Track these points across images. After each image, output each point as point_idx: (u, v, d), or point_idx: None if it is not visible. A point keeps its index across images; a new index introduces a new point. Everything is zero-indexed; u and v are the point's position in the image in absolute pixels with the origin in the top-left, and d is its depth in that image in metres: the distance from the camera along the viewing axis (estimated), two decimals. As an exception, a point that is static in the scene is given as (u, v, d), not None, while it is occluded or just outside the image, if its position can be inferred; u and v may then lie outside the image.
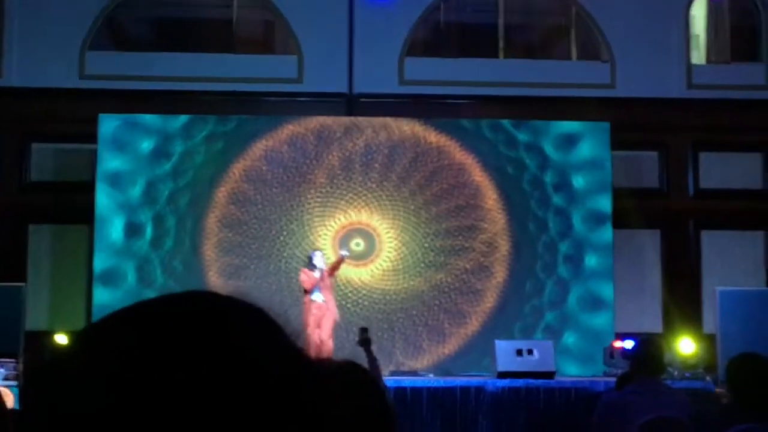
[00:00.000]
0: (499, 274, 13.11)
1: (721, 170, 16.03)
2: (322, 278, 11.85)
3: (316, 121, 13.40)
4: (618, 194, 14.89)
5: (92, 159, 14.53)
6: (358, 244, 13.24)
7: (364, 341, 8.21)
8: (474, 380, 12.08)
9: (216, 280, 12.95)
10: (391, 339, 12.85)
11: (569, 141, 13.98)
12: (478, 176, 13.24)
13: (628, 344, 10.88)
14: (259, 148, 13.11)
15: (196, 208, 13.07)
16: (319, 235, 13.07)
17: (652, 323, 15.40)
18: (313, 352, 10.68)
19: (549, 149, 13.91)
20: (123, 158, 13.38)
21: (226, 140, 13.34)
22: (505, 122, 13.87)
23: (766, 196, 16.14)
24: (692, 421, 5.72)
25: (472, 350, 13.05)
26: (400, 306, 12.92)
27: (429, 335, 13.17)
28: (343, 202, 13.18)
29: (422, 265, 13.09)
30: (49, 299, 14.77)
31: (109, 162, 13.35)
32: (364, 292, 12.92)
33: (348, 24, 15.57)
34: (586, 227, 13.75)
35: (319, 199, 13.03)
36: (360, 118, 14.16)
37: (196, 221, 13.07)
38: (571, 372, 12.74)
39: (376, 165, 13.14)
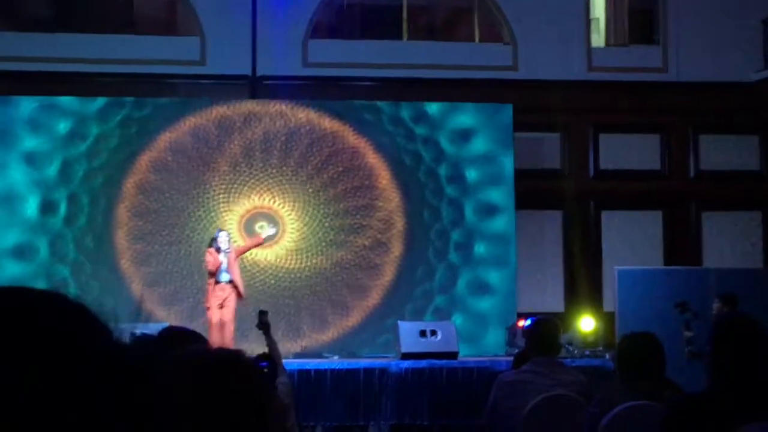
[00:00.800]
0: (396, 248, 13.63)
1: (621, 151, 16.22)
2: (228, 260, 11.92)
3: (216, 111, 13.62)
4: (520, 175, 14.97)
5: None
6: (261, 227, 13.41)
7: (263, 324, 8.19)
8: (378, 362, 12.13)
9: (128, 267, 13.25)
10: (298, 314, 13.26)
11: (465, 133, 14.41)
12: (371, 158, 13.74)
13: (527, 323, 11.16)
14: (164, 139, 13.38)
15: (109, 192, 13.38)
16: (225, 220, 13.36)
17: (555, 303, 15.59)
18: (214, 335, 11.39)
19: (444, 142, 14.29)
20: (40, 138, 13.41)
21: (139, 126, 13.65)
22: (404, 112, 14.21)
23: (663, 176, 16.36)
24: (586, 399, 5.81)
25: (373, 323, 13.52)
26: (306, 283, 13.34)
27: (333, 309, 13.56)
28: (246, 188, 13.52)
29: (324, 243, 13.58)
30: None
31: (27, 142, 13.37)
32: (270, 271, 13.29)
33: (251, 5, 15.38)
34: (477, 217, 14.19)
35: (223, 186, 13.39)
36: (257, 107, 14.18)
37: (107, 210, 13.35)
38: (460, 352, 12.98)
39: (275, 151, 13.56)
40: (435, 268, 13.94)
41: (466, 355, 12.64)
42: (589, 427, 4.95)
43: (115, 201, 13.32)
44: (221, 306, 11.99)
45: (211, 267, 11.90)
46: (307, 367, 11.72)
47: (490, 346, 13.15)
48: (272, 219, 13.60)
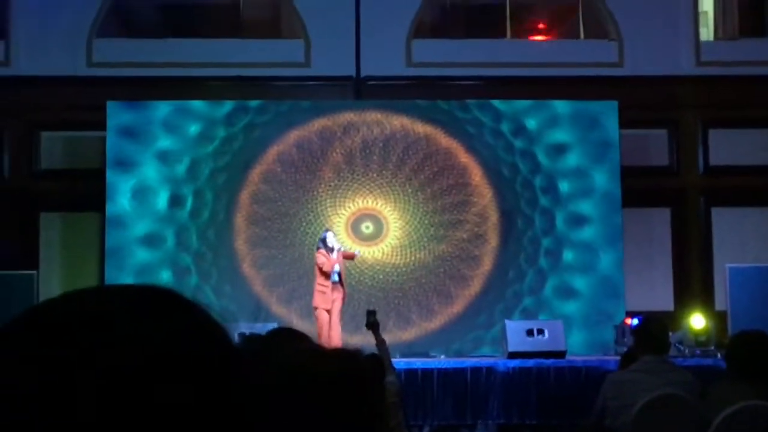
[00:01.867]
0: (492, 239, 14.22)
1: (731, 147, 15.92)
2: (338, 259, 12.28)
3: (317, 123, 14.16)
4: (627, 173, 14.85)
5: (101, 146, 14.54)
6: (367, 227, 14.06)
7: (372, 324, 8.29)
8: (485, 361, 12.16)
9: (249, 271, 14.04)
10: (407, 305, 13.89)
11: (560, 147, 14.59)
12: (464, 157, 14.28)
13: (636, 322, 10.99)
14: (272, 153, 14.09)
15: (231, 186, 14.23)
16: (333, 223, 13.96)
17: (664, 301, 15.39)
18: (324, 334, 11.73)
19: (541, 155, 14.56)
20: (173, 139, 14.17)
21: (261, 129, 14.32)
22: (504, 125, 14.48)
23: (776, 172, 16.09)
24: (696, 399, 5.76)
25: (476, 311, 14.10)
26: (411, 276, 13.94)
27: (438, 299, 14.09)
28: (350, 192, 14.17)
29: (425, 239, 14.16)
30: (60, 287, 14.70)
31: (162, 141, 14.16)
32: (378, 267, 13.89)
33: (354, 6, 15.46)
34: (567, 226, 14.50)
35: (329, 192, 14.07)
36: (355, 116, 14.44)
37: (229, 207, 14.21)
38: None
39: (374, 157, 14.18)
40: (525, 272, 14.38)
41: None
42: (700, 427, 4.93)
43: (233, 209, 14.14)
44: (330, 306, 12.24)
45: (327, 267, 12.20)
46: (414, 366, 11.76)
47: (573, 347, 13.16)
48: (376, 219, 14.16)
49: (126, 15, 16.24)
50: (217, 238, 14.05)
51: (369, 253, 13.96)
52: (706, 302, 15.17)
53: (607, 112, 14.61)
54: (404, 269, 14.02)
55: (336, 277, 12.29)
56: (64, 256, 15.20)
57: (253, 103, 14.42)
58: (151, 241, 14.00)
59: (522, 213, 14.34)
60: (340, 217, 14.12)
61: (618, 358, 9.89)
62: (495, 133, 14.41)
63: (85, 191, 14.75)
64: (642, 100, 15.44)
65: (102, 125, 14.40)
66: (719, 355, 12.09)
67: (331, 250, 12.26)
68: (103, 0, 15.55)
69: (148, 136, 14.09)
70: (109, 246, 13.97)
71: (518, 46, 15.97)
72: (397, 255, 14.07)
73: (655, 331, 6.21)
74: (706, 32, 16.44)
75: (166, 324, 0.93)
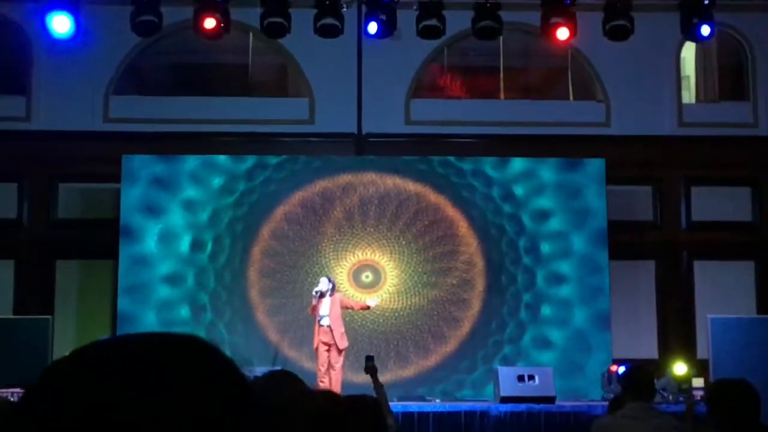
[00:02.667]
0: (479, 284, 14.56)
1: (712, 204, 15.90)
2: (330, 303, 12.31)
3: (318, 185, 14.50)
4: (614, 227, 14.77)
5: (116, 197, 14.54)
6: (367, 276, 14.33)
7: (369, 369, 8.26)
8: (478, 405, 12.12)
9: (263, 318, 14.36)
10: (405, 345, 14.25)
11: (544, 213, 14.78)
12: (451, 212, 14.62)
13: (622, 369, 10.95)
14: (279, 212, 14.49)
15: (246, 234, 14.58)
16: (337, 273, 14.21)
17: (649, 349, 15.31)
18: (321, 376, 11.88)
19: (526, 219, 14.79)
20: (197, 189, 14.51)
21: (276, 184, 14.66)
22: (495, 191, 14.70)
23: (755, 228, 16.03)
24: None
25: (467, 349, 14.39)
26: (408, 319, 14.33)
27: (433, 339, 14.39)
28: (350, 245, 14.47)
29: (419, 285, 14.51)
30: (75, 331, 14.69)
31: (188, 191, 14.48)
32: (378, 312, 14.09)
33: (357, 67, 15.47)
34: (546, 284, 14.69)
35: (331, 246, 14.44)
36: (353, 178, 14.55)
37: (243, 255, 14.54)
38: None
39: (371, 213, 14.52)
40: (507, 323, 14.60)
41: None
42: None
43: (247, 262, 14.44)
44: (328, 349, 12.26)
45: (311, 310, 12.49)
46: (411, 410, 11.69)
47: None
48: (375, 269, 14.40)
49: (141, 74, 16.25)
50: (233, 281, 14.43)
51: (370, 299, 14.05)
52: (689, 351, 15.05)
53: (590, 184, 14.67)
54: (401, 313, 14.37)
55: (325, 321, 12.35)
56: (78, 302, 15.08)
57: (272, 159, 14.57)
58: (173, 280, 14.27)
59: (506, 270, 14.59)
60: (342, 268, 14.37)
61: (605, 403, 9.92)
62: (486, 197, 14.65)
63: (101, 239, 14.69)
64: (628, 158, 15.42)
65: (117, 177, 14.39)
66: (702, 402, 12.02)
67: (321, 294, 12.41)
68: (120, 59, 15.61)
69: (176, 186, 14.36)
70: (134, 283, 14.15)
71: (511, 106, 15.92)
72: (394, 300, 14.39)
73: (641, 378, 6.11)
74: (688, 95, 16.44)
75: (200, 371, 0.96)
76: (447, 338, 14.32)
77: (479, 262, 14.59)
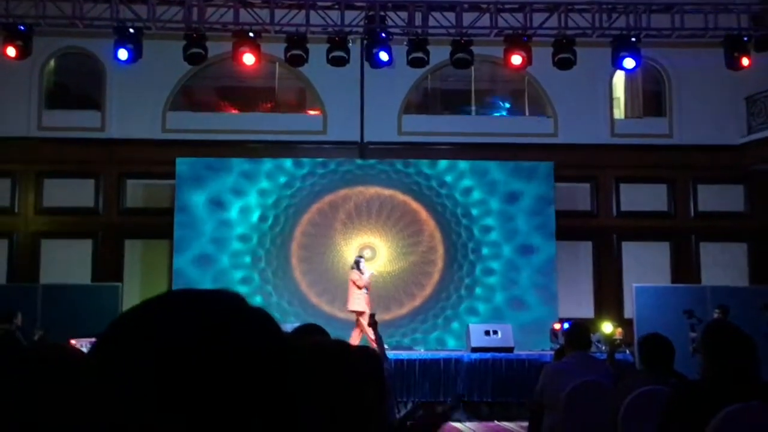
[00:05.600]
0: (439, 249, 14.58)
1: (637, 197, 15.73)
2: (368, 282, 12.31)
3: (327, 199, 14.50)
4: (561, 215, 14.65)
5: (171, 191, 14.40)
6: (368, 252, 14.29)
7: (371, 324, 8.25)
8: (454, 353, 12.01)
9: (299, 276, 14.38)
10: (396, 295, 14.26)
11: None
12: (424, 215, 14.61)
13: (565, 326, 10.95)
14: (314, 208, 14.55)
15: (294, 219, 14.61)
16: (345, 251, 14.34)
17: (587, 310, 15.28)
18: (362, 331, 11.63)
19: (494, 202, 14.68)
20: (269, 183, 14.46)
21: (307, 190, 14.68)
22: (459, 197, 14.60)
23: (670, 216, 15.80)
24: (612, 384, 5.66)
25: (432, 300, 14.40)
26: (396, 278, 14.42)
27: (412, 288, 14.39)
28: (354, 234, 14.51)
29: (401, 255, 14.50)
30: (139, 296, 14.24)
31: (263, 183, 14.42)
32: (377, 275, 13.94)
33: (360, 89, 15.23)
34: (514, 256, 14.51)
35: (343, 234, 14.52)
36: (349, 192, 14.46)
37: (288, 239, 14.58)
38: (480, 307, 14.03)
39: (368, 214, 14.53)
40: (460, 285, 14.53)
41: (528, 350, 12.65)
42: (615, 407, 4.83)
43: (291, 239, 14.51)
44: (367, 310, 12.08)
45: (361, 284, 12.16)
46: (401, 357, 11.64)
47: (497, 301, 13.95)
48: (373, 248, 14.39)
49: (191, 93, 16.02)
50: (280, 250, 14.50)
51: (372, 267, 14.13)
52: (618, 312, 14.98)
53: (542, 181, 14.46)
54: (391, 274, 14.44)
55: (366, 295, 12.27)
56: (141, 273, 14.98)
57: (320, 170, 14.56)
58: (244, 239, 14.34)
59: (462, 254, 14.52)
60: (350, 248, 14.38)
61: (552, 353, 9.93)
62: (451, 198, 14.57)
63: (158, 224, 14.55)
64: (572, 161, 15.33)
65: (171, 175, 14.23)
66: (627, 351, 11.91)
67: (362, 272, 12.29)
68: (175, 82, 15.40)
69: (254, 179, 14.36)
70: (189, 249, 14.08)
71: (480, 120, 15.73)
72: (386, 266, 14.46)
73: (581, 333, 6.00)
74: (619, 112, 16.24)
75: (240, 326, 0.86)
76: (420, 288, 14.43)
77: (437, 235, 14.61)
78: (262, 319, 0.88)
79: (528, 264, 14.33)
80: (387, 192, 14.55)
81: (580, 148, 15.57)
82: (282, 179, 14.48)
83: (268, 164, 14.49)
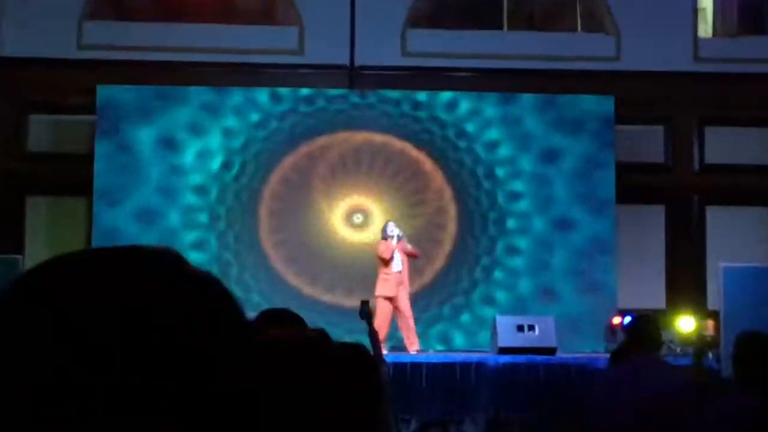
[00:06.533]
0: (451, 210, 15.05)
1: (727, 145, 15.81)
2: (398, 247, 12.62)
3: (306, 148, 14.95)
4: (621, 169, 14.75)
5: (90, 130, 14.48)
6: (359, 217, 14.86)
7: (365, 314, 8.09)
8: (474, 356, 12.18)
9: (270, 249, 14.91)
10: None
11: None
12: (429, 166, 15.02)
13: (627, 320, 10.46)
14: (288, 161, 14.99)
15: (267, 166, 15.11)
16: (331, 214, 14.89)
17: (656, 300, 15.33)
18: (379, 322, 11.47)
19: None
20: (235, 120, 14.88)
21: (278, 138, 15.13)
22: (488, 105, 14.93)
23: (772, 171, 15.97)
24: (690, 398, 5.62)
25: (440, 281, 14.86)
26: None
27: (417, 261, 14.23)
28: (340, 192, 14.98)
29: (403, 218, 14.57)
30: None
31: (228, 121, 14.85)
32: (368, 248, 14.23)
33: (350, -6, 15.90)
34: (552, 228, 14.94)
35: (325, 195, 14.98)
36: (345, 135, 14.88)
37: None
38: (499, 295, 14.55)
39: (360, 168, 15.02)
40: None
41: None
42: (696, 429, 4.77)
43: (257, 199, 14.98)
44: (392, 298, 12.48)
45: (386, 254, 12.49)
46: (403, 360, 11.76)
47: (522, 290, 14.51)
48: (365, 211, 14.89)
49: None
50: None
51: (363, 236, 14.75)
52: (699, 301, 15.10)
53: (598, 123, 14.84)
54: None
55: (399, 266, 12.59)
56: (50, 241, 15.02)
57: (304, 107, 14.90)
58: (200, 191, 14.88)
59: (480, 226, 14.97)
60: (334, 211, 14.86)
61: (608, 356, 9.87)
62: (471, 153, 14.94)
63: (73, 176, 14.66)
64: (638, 95, 15.32)
65: (91, 109, 14.32)
66: (710, 355, 11.96)
67: (391, 238, 12.62)
68: (95, -18, 15.33)
69: (218, 114, 14.80)
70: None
71: (515, 38, 15.81)
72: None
73: (648, 328, 6.04)
74: (705, 28, 16.36)
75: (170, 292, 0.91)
76: (433, 258, 14.76)
77: (447, 192, 15.01)
78: (211, 295, 0.92)
79: (567, 242, 14.69)
80: (379, 138, 14.96)
81: (651, 78, 15.69)
82: (254, 116, 14.87)
83: (237, 96, 14.82)
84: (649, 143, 15.95)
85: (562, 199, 14.80)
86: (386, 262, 12.51)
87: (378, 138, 14.95)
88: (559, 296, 14.57)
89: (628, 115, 15.09)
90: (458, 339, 14.47)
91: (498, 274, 14.82)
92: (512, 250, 14.87)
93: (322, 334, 1.88)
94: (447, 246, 14.92)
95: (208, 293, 0.92)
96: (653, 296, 15.41)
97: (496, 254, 14.83)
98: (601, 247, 14.63)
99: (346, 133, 14.92)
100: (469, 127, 14.93)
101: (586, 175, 14.81)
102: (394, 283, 12.52)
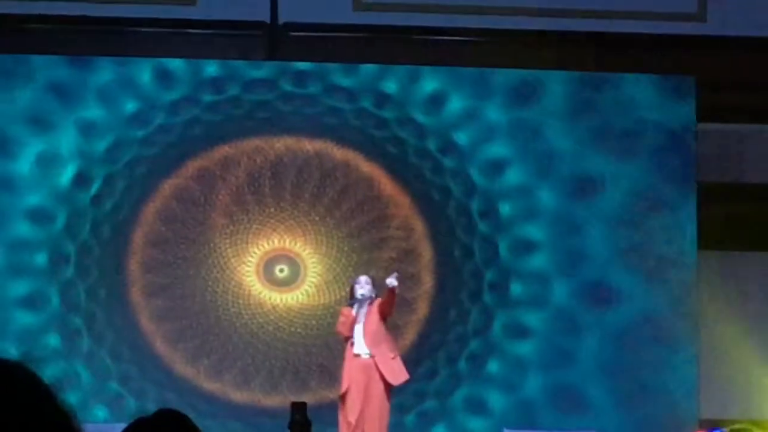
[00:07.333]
0: (426, 280, 13.72)
1: None
2: (367, 318, 10.91)
3: (197, 162, 13.46)
4: (708, 194, 12.58)
5: None
6: (282, 270, 13.50)
7: (296, 426, 7.64)
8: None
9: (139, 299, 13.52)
10: (332, 356, 12.93)
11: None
12: (389, 188, 13.62)
13: None
14: (169, 186, 13.54)
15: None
16: (242, 262, 13.58)
17: (759, 406, 12.90)
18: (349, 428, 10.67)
19: None
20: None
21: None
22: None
23: None
24: None
25: (417, 357, 13.25)
26: (333, 314, 13.08)
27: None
28: (253, 230, 13.60)
29: (349, 269, 13.34)
30: None
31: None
32: (296, 311, 13.51)
33: None
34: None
35: (229, 235, 13.66)
36: (262, 143, 13.38)
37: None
38: (494, 399, 13.11)
39: (286, 190, 13.59)
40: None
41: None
42: None
43: (125, 255, 13.53)
44: (364, 391, 10.78)
45: (342, 329, 10.94)
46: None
47: (530, 390, 13.11)
48: (291, 259, 13.38)
49: None
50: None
51: (282, 299, 13.39)
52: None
53: (671, 118, 13.05)
54: (329, 311, 13.24)
55: (362, 347, 10.87)
56: None
57: (207, 95, 13.14)
58: (39, 217, 13.44)
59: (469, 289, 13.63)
60: (243, 260, 13.50)
61: None
62: (461, 178, 13.69)
63: None
64: (732, 74, 12.88)
65: None
66: None
67: (356, 302, 10.98)
68: None
69: (74, 99, 13.28)
70: None
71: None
72: (315, 296, 13.59)
73: None
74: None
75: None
76: (398, 328, 13.12)
77: (418, 227, 13.68)
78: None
79: (605, 321, 13.15)
80: (309, 146, 13.50)
81: (753, 48, 13.25)
82: (130, 105, 13.25)
83: (104, 71, 13.20)
84: (750, 151, 13.51)
85: (599, 255, 13.16)
86: (346, 339, 10.95)
87: (308, 145, 13.39)
88: (588, 403, 12.90)
89: (715, 106, 12.82)
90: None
91: (493, 367, 13.11)
92: (517, 331, 13.23)
93: None
94: (420, 310, 13.09)
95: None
96: (755, 398, 13.03)
97: (491, 335, 13.17)
98: (668, 326, 12.91)
99: (259, 139, 13.35)
100: (461, 137, 13.20)
101: (645, 215, 13.05)
102: (355, 373, 10.79)
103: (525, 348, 13.06)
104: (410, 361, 12.30)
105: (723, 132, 13.46)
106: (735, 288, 13.59)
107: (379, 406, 10.87)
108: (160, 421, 2.82)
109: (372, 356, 10.86)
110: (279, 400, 12.28)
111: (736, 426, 9.94)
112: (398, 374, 10.87)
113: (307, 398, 12.24)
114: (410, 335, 13.12)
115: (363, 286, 10.93)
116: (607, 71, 12.99)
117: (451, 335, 13.22)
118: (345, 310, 10.99)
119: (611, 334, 13.04)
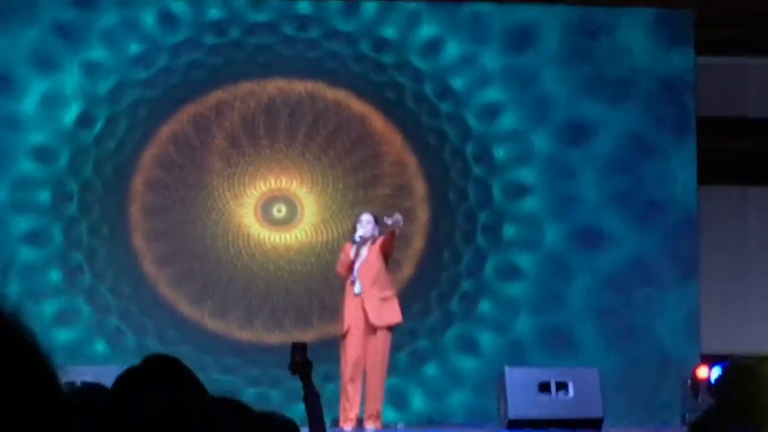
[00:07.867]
0: (421, 215, 13.79)
1: None
2: (367, 256, 10.95)
3: (212, 97, 13.66)
4: (706, 127, 12.65)
5: None
6: (279, 209, 13.81)
7: (298, 366, 6.36)
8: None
9: (141, 244, 13.67)
10: (332, 296, 13.10)
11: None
12: (380, 125, 13.76)
13: (716, 373, 10.12)
14: (165, 132, 13.81)
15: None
16: (240, 204, 13.79)
17: (761, 340, 13.32)
18: (348, 372, 10.77)
19: None
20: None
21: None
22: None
23: None
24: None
25: (410, 297, 13.23)
26: (332, 252, 13.37)
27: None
28: (253, 169, 13.85)
29: (345, 207, 13.51)
30: None
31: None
32: (295, 250, 13.66)
33: None
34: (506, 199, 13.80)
35: (226, 176, 13.89)
36: (249, 87, 13.57)
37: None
38: (485, 339, 13.31)
39: (280, 131, 13.75)
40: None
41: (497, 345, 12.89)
42: None
43: (126, 201, 13.72)
44: (363, 329, 10.76)
45: (339, 268, 11.01)
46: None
47: (522, 329, 13.26)
48: (288, 199, 13.75)
49: None
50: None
51: (281, 237, 13.65)
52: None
53: (666, 52, 13.17)
54: (327, 248, 13.56)
55: (357, 286, 10.85)
56: None
57: (210, 38, 13.36)
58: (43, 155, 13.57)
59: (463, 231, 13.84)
60: (241, 202, 13.70)
61: (684, 429, 10.12)
62: (457, 122, 13.83)
63: None
64: (731, 8, 12.85)
65: None
66: None
67: (357, 241, 10.99)
68: None
69: (78, 39, 13.52)
70: None
71: None
72: (313, 234, 13.79)
73: (749, 387, 5.01)
74: None
75: None
76: (395, 263, 13.12)
77: (411, 163, 13.78)
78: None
79: (591, 260, 13.20)
80: (300, 86, 13.55)
81: None
82: (133, 47, 13.40)
83: (109, 14, 13.32)
84: (751, 86, 13.98)
85: (590, 199, 13.20)
86: (345, 278, 10.98)
87: (300, 87, 13.45)
88: (579, 344, 13.01)
89: (713, 40, 12.99)
90: (416, 401, 12.96)
91: (485, 307, 13.19)
92: (510, 272, 13.32)
93: (226, 405, 1.71)
94: (416, 245, 13.25)
95: None
96: (761, 334, 13.58)
97: (484, 276, 13.28)
98: (660, 269, 13.06)
99: (252, 83, 13.46)
100: (458, 82, 13.34)
101: (639, 161, 13.14)
102: (354, 313, 10.81)
103: (517, 289, 13.22)
104: (405, 297, 12.40)
105: (723, 66, 13.58)
106: (735, 223, 13.84)
107: (381, 345, 10.93)
108: (152, 367, 2.77)
109: (361, 294, 10.92)
110: (282, 338, 12.55)
111: (741, 362, 9.95)
112: (385, 316, 10.85)
113: (309, 335, 12.46)
114: (408, 269, 13.23)
115: (363, 226, 10.93)
116: (604, 5, 13.01)
117: (444, 275, 13.38)
118: (347, 246, 11.07)
119: (602, 277, 13.13)
